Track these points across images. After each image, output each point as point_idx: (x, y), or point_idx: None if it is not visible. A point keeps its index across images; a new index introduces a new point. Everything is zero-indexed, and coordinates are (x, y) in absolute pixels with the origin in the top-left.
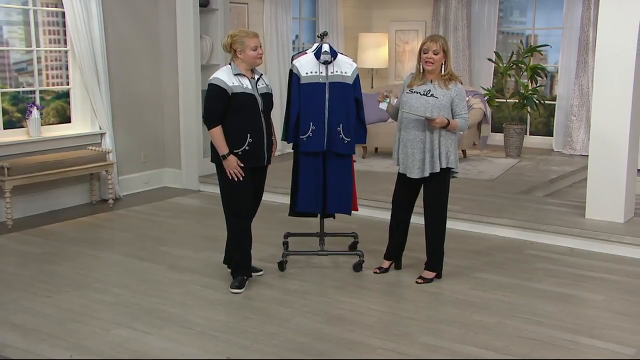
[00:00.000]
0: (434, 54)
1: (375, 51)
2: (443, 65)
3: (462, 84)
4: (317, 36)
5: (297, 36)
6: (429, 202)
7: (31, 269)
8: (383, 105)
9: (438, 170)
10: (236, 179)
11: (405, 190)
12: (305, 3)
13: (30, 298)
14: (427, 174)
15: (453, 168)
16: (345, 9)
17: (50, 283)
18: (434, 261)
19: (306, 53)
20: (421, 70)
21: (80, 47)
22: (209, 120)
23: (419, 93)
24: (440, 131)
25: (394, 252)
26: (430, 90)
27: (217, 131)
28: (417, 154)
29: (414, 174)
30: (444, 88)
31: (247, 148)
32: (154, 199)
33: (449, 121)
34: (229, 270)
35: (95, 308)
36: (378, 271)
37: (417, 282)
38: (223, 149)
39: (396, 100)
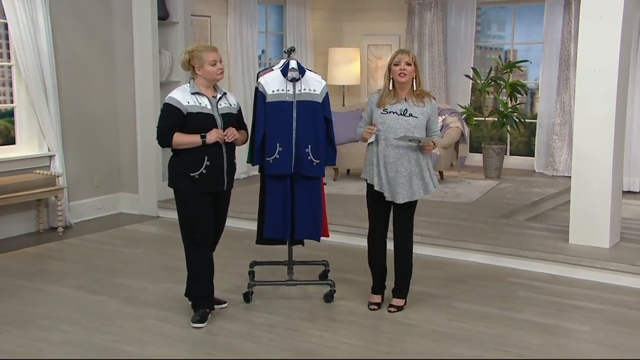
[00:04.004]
0: (407, 65)
1: (346, 67)
2: (414, 81)
3: (434, 99)
4: (284, 52)
5: (263, 51)
6: (402, 228)
7: None
8: (372, 138)
9: (432, 191)
10: (226, 140)
11: (383, 213)
12: (272, 16)
13: None
14: (415, 198)
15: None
16: (314, 22)
17: None
18: (406, 288)
19: (272, 70)
20: (391, 87)
21: (25, 61)
22: (162, 140)
23: (396, 113)
24: (424, 152)
25: (381, 285)
26: (406, 109)
27: (177, 138)
28: (400, 177)
29: (400, 199)
30: (420, 105)
31: (204, 171)
32: (109, 226)
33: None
34: (190, 303)
35: (41, 348)
36: (376, 307)
37: (389, 311)
38: (194, 139)
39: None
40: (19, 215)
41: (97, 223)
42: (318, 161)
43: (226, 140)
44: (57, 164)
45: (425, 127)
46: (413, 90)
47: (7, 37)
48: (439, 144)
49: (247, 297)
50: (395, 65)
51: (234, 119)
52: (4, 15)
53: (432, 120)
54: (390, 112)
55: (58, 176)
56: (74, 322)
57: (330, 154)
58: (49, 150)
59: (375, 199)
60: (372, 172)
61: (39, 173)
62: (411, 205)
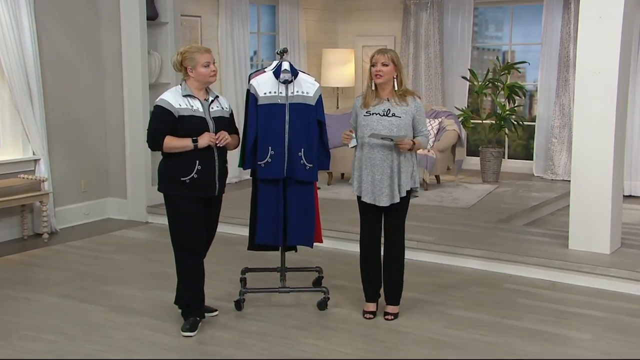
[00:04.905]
0: (383, 66)
1: (340, 68)
2: (395, 80)
3: (420, 98)
4: (277, 53)
5: (255, 52)
6: (392, 232)
7: None
8: (353, 143)
9: (405, 193)
10: (216, 142)
11: (374, 220)
12: (264, 16)
13: None
14: (397, 200)
15: (417, 187)
16: (307, 22)
17: None
18: (399, 294)
19: (264, 71)
20: (373, 88)
21: (9, 62)
22: (153, 143)
23: (379, 114)
24: (400, 152)
25: (376, 292)
26: (389, 109)
27: (168, 142)
28: (385, 179)
29: (383, 201)
30: (403, 104)
31: (195, 176)
32: (96, 232)
33: (414, 142)
34: (180, 311)
35: (24, 359)
36: (372, 316)
37: (386, 319)
38: (186, 143)
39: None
40: (2, 221)
41: (84, 229)
42: (311, 165)
43: (218, 145)
44: (42, 168)
45: (410, 127)
46: (395, 90)
47: None
48: (422, 144)
49: (239, 304)
50: (373, 66)
51: (226, 123)
52: None
53: (417, 119)
54: (372, 113)
55: (43, 181)
56: (60, 331)
57: (324, 158)
58: (33, 154)
59: (366, 207)
60: (357, 179)
61: (23, 177)
62: (400, 208)
